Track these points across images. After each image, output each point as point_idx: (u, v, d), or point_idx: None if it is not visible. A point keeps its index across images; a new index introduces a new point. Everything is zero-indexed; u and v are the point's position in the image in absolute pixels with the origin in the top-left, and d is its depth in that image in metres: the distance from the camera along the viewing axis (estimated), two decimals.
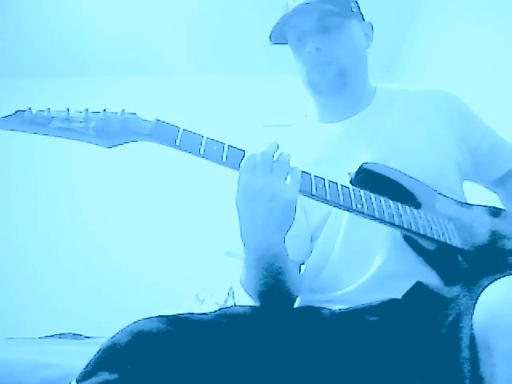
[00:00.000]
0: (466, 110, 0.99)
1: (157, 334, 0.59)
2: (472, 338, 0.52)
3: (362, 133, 0.94)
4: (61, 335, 1.90)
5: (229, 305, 2.09)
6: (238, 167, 0.69)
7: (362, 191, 0.75)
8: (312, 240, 0.92)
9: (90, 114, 0.68)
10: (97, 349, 0.59)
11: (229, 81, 3.13)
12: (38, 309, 2.63)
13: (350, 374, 0.63)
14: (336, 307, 0.78)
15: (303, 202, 0.83)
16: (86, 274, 2.77)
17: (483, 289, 0.55)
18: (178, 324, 0.62)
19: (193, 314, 0.67)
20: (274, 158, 0.69)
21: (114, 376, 0.55)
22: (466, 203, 0.91)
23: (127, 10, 2.70)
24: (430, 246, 0.80)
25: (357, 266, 0.84)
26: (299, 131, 1.05)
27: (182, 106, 2.93)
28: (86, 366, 0.57)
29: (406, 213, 0.77)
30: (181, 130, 0.69)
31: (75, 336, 1.90)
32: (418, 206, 0.82)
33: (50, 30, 2.83)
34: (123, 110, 0.69)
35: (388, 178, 0.84)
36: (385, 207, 0.76)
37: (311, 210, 0.91)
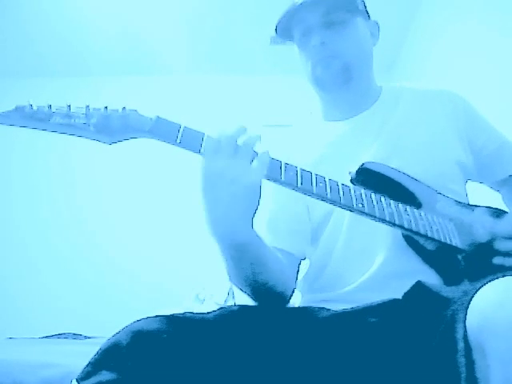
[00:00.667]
0: (471, 111, 0.99)
1: (157, 333, 0.59)
2: (466, 339, 0.52)
3: (367, 132, 0.94)
4: (61, 335, 1.90)
5: (229, 305, 2.09)
6: None
7: (362, 190, 0.75)
8: (315, 238, 0.92)
9: (91, 111, 0.68)
10: (97, 349, 0.59)
11: (229, 81, 3.13)
12: (38, 309, 2.63)
13: (349, 374, 0.63)
14: (337, 306, 0.77)
15: (306, 197, 0.83)
16: (86, 273, 2.77)
17: (476, 291, 0.55)
18: (178, 323, 0.62)
19: (192, 313, 0.67)
20: (239, 142, 0.67)
21: (115, 375, 0.55)
22: (468, 204, 0.91)
23: (127, 10, 2.70)
24: (431, 246, 0.80)
25: (358, 265, 0.84)
26: (303, 129, 1.04)
27: (182, 105, 2.93)
28: (87, 365, 0.57)
29: (406, 212, 0.77)
30: (182, 127, 0.69)
31: (75, 336, 1.90)
32: (418, 205, 0.82)
33: (50, 30, 2.83)
34: (124, 107, 0.69)
35: (388, 177, 0.84)
36: (385, 206, 0.76)
37: (314, 207, 0.90)
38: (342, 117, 0.98)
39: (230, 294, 2.22)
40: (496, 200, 1.05)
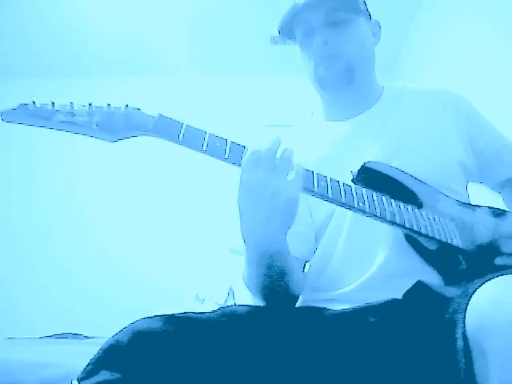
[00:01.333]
0: (473, 111, 0.99)
1: (157, 333, 0.59)
2: (466, 338, 0.52)
3: (368, 131, 0.94)
4: (61, 335, 1.89)
5: (229, 305, 2.09)
6: (240, 164, 0.69)
7: (363, 189, 0.75)
8: (317, 238, 0.92)
9: (93, 109, 0.68)
10: (97, 349, 0.59)
11: (229, 81, 3.13)
12: (38, 309, 2.63)
13: (350, 374, 0.63)
14: (337, 306, 0.77)
15: (308, 200, 0.83)
16: (86, 273, 2.77)
17: (475, 290, 0.55)
18: (179, 323, 0.62)
19: (193, 313, 0.67)
20: (277, 155, 0.68)
21: (115, 375, 0.55)
22: (469, 204, 0.91)
23: (127, 10, 2.70)
24: (432, 246, 0.79)
25: (359, 264, 0.84)
26: (304, 129, 1.05)
27: (182, 105, 2.92)
28: (87, 365, 0.58)
29: (407, 212, 0.77)
30: (184, 126, 0.69)
31: (75, 336, 1.90)
32: (419, 205, 0.82)
33: (50, 30, 2.83)
34: (127, 105, 0.70)
35: (390, 176, 0.84)
36: (386, 206, 0.76)
37: (316, 209, 0.91)
38: (344, 116, 0.98)
39: (230, 294, 2.22)
40: (497, 201, 1.05)
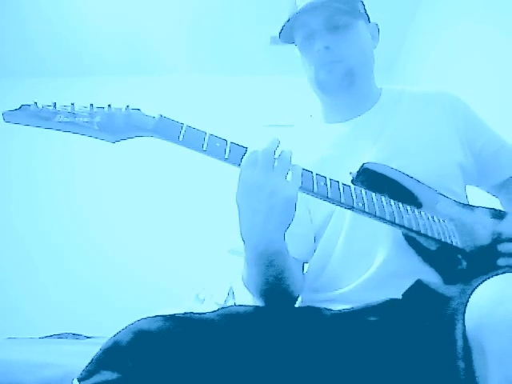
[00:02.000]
0: (470, 114, 0.99)
1: (158, 333, 0.59)
2: (465, 337, 0.52)
3: (367, 133, 0.94)
4: (61, 335, 1.90)
5: (229, 305, 2.09)
6: (240, 164, 0.69)
7: (363, 190, 0.76)
8: (316, 239, 0.92)
9: (94, 109, 0.69)
10: (97, 349, 0.59)
11: (229, 81, 3.13)
12: (38, 309, 2.63)
13: (350, 374, 0.63)
14: (337, 306, 0.78)
15: (307, 201, 0.83)
16: (87, 273, 2.77)
17: (474, 289, 0.55)
18: (179, 323, 0.62)
19: (193, 313, 0.67)
20: (276, 155, 0.69)
21: (116, 375, 0.55)
22: (468, 205, 0.91)
23: (127, 10, 2.71)
24: (431, 246, 0.80)
25: (358, 265, 0.84)
26: (304, 131, 1.05)
27: (182, 106, 2.93)
28: (88, 364, 0.58)
29: (406, 212, 0.77)
30: (184, 126, 0.70)
31: (75, 336, 1.90)
32: (419, 206, 0.82)
33: (50, 30, 2.83)
34: (127, 106, 0.70)
35: (389, 177, 0.84)
36: (386, 206, 0.76)
37: (315, 209, 0.91)
38: (343, 118, 0.99)
39: (230, 294, 2.22)
40: (494, 203, 1.05)
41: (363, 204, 0.74)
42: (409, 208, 0.79)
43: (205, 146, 0.69)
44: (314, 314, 0.75)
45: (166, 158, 2.50)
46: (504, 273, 0.56)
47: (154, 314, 0.63)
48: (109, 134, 0.68)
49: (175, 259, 2.70)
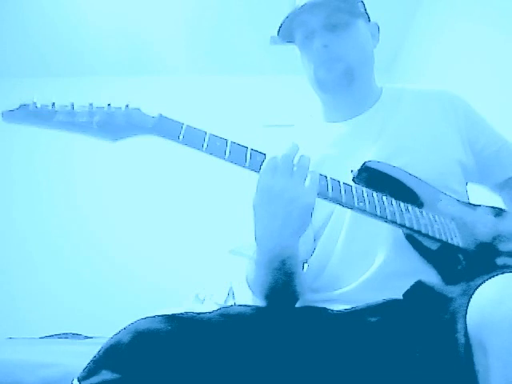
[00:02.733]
0: (471, 112, 0.99)
1: (158, 332, 0.59)
2: (467, 337, 0.52)
3: (368, 132, 0.94)
4: (61, 335, 1.90)
5: (229, 305, 2.09)
6: (240, 163, 0.70)
7: (364, 189, 0.76)
8: (315, 239, 0.92)
9: (94, 109, 0.69)
10: (97, 349, 0.59)
11: (229, 81, 3.13)
12: (38, 309, 2.63)
13: (350, 374, 0.63)
14: (337, 306, 0.78)
15: None
16: (87, 273, 2.77)
17: (476, 288, 0.55)
18: (179, 323, 0.62)
19: (193, 313, 0.67)
20: (295, 161, 0.69)
21: (116, 375, 0.55)
22: (470, 203, 0.91)
23: (127, 10, 2.70)
24: (432, 245, 0.79)
25: (358, 264, 0.83)
26: (304, 130, 1.05)
27: (182, 106, 2.92)
28: (88, 364, 0.58)
29: (407, 211, 0.77)
30: (184, 126, 0.70)
31: (75, 336, 1.90)
32: (420, 204, 0.82)
33: (50, 30, 2.83)
34: (127, 105, 0.70)
35: (390, 176, 0.84)
36: (387, 205, 0.76)
37: (315, 208, 0.91)
38: (343, 118, 0.99)
39: (230, 294, 2.22)
40: (496, 201, 1.05)
41: (364, 203, 0.74)
42: (410, 207, 0.78)
43: (205, 145, 0.69)
44: (314, 314, 0.75)
45: (167, 158, 2.50)
46: (505, 272, 0.56)
47: (154, 314, 0.63)
48: (108, 134, 0.69)
49: (175, 259, 2.69)
